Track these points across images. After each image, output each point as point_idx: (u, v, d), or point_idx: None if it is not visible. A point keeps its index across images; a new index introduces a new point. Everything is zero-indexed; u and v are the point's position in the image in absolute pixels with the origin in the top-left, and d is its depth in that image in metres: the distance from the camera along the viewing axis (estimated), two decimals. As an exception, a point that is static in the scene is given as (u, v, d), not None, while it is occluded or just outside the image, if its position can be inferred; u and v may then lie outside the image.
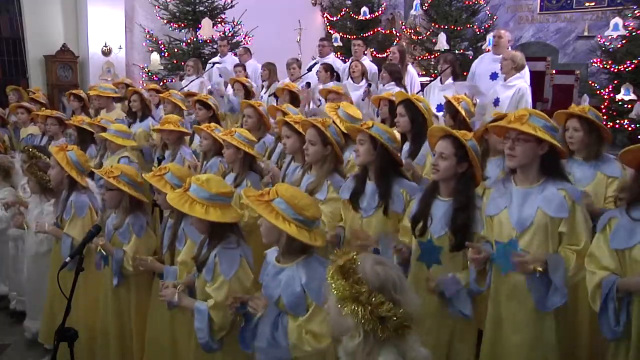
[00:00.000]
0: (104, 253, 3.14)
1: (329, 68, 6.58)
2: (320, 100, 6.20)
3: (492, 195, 2.55)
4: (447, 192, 2.64)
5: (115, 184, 3.04)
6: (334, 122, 3.53)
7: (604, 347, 2.41)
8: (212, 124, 4.12)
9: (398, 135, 3.31)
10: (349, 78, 6.42)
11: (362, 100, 5.91)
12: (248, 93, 5.74)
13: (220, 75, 7.04)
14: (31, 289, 3.90)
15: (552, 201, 2.36)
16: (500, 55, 5.81)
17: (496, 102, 5.25)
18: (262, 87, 7.09)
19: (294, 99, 5.28)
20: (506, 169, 2.61)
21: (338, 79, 6.77)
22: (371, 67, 7.05)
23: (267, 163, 4.04)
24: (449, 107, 3.96)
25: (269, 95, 6.35)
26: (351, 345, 1.50)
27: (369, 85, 6.14)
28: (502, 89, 5.35)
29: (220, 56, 8.09)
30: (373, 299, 1.46)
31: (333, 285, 1.51)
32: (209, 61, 8.03)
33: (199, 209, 2.44)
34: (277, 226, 2.16)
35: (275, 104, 5.13)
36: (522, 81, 5.30)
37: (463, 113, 3.81)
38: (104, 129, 4.53)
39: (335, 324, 1.56)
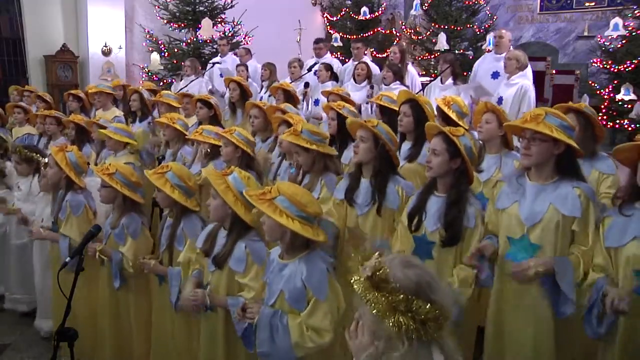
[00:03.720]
0: (103, 258, 3.15)
1: (329, 68, 6.58)
2: (318, 99, 6.21)
3: (504, 189, 2.55)
4: (443, 188, 2.66)
5: (108, 181, 3.05)
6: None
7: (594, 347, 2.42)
8: (203, 126, 4.11)
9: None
10: (352, 79, 6.41)
11: (367, 104, 5.92)
12: (244, 93, 5.72)
13: (221, 75, 7.03)
14: (39, 287, 3.94)
15: (566, 199, 2.35)
16: (502, 55, 5.84)
17: (499, 101, 5.26)
18: (262, 87, 7.09)
19: (289, 98, 5.27)
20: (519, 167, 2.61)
21: (336, 78, 6.77)
22: (374, 68, 7.05)
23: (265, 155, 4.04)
24: (439, 112, 3.90)
25: (270, 95, 6.34)
26: (396, 355, 1.42)
27: (372, 87, 6.14)
28: (504, 87, 5.38)
29: (220, 56, 8.09)
30: (413, 306, 1.38)
31: (367, 299, 1.42)
32: (210, 61, 8.03)
33: (231, 196, 2.50)
34: (281, 224, 2.19)
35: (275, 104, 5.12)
36: (524, 79, 5.32)
37: (454, 117, 3.76)
38: (102, 128, 4.52)
39: (372, 333, 1.46)
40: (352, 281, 1.47)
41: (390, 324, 1.38)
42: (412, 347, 1.40)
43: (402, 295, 1.38)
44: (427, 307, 1.38)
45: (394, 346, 1.41)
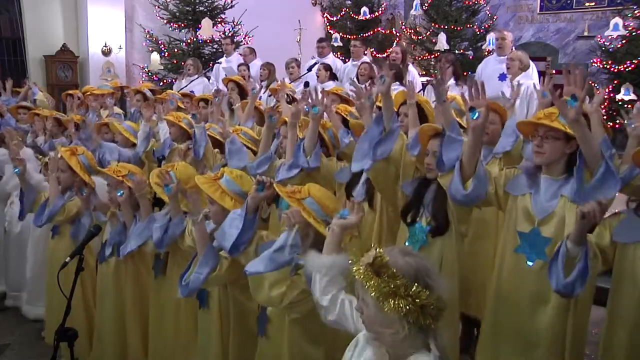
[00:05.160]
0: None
1: (328, 68, 6.58)
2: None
3: (519, 176, 2.54)
4: None
5: (125, 182, 3.05)
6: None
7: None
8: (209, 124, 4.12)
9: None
10: (355, 78, 6.39)
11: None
12: (243, 92, 5.71)
13: (227, 75, 7.03)
14: (30, 274, 4.04)
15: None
16: (506, 56, 5.84)
17: None
18: (261, 87, 7.08)
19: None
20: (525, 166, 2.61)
21: (336, 79, 6.76)
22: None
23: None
24: None
25: (269, 96, 6.34)
26: (396, 338, 1.49)
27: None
28: (508, 90, 5.33)
29: (225, 56, 8.11)
30: (412, 290, 1.45)
31: (367, 284, 1.49)
32: (216, 61, 8.03)
33: (229, 201, 2.51)
34: (310, 224, 2.16)
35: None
36: (528, 80, 5.31)
37: (452, 114, 3.79)
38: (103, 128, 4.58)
39: (375, 320, 1.53)
40: (353, 270, 1.54)
41: (391, 307, 1.45)
42: (411, 332, 1.48)
43: (401, 280, 1.46)
44: (426, 292, 1.46)
45: (396, 333, 1.48)
